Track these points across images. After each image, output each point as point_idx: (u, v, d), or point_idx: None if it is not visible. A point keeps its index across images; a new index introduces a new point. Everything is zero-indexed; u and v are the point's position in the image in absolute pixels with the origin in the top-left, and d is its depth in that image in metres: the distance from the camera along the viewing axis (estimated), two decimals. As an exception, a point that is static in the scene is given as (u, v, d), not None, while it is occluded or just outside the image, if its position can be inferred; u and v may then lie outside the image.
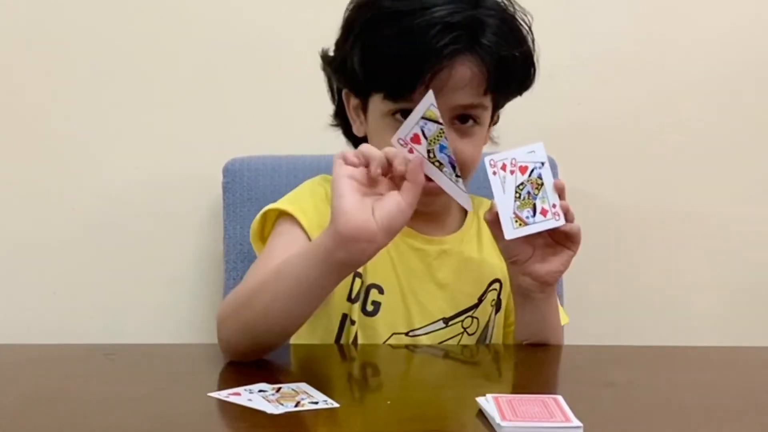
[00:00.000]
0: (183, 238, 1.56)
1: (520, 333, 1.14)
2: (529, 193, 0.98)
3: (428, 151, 0.93)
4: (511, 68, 1.08)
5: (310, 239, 1.09)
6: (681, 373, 1.00)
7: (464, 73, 1.05)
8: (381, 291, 1.15)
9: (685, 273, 1.62)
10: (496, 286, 1.19)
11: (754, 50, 1.59)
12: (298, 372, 1.04)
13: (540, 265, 1.05)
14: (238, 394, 0.85)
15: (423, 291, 1.16)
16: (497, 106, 1.15)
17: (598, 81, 1.58)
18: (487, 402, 0.80)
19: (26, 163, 1.56)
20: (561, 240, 1.04)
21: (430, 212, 1.15)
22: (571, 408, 0.78)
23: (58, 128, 1.56)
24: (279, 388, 0.86)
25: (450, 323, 1.16)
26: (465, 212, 1.22)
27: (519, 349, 1.17)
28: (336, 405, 0.83)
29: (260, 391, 0.86)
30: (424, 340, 1.15)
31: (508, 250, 1.06)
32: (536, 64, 1.12)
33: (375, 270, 1.14)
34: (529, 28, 1.11)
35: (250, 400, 0.83)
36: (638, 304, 1.62)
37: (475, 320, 1.17)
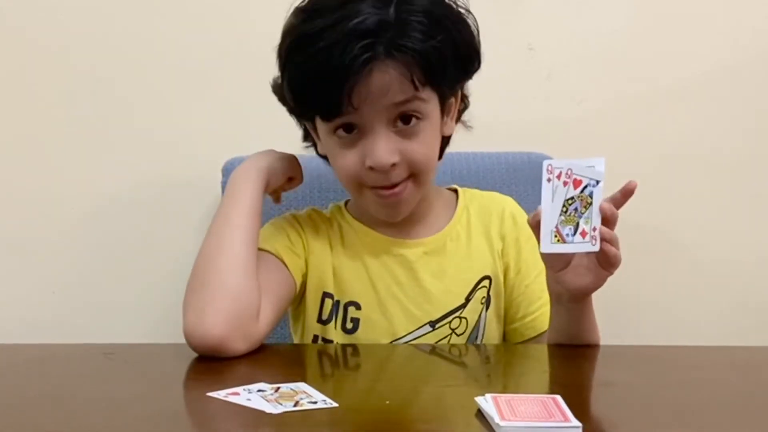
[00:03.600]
0: (183, 237, 1.56)
1: (553, 336, 1.11)
2: (576, 209, 0.95)
3: (571, 198, 0.94)
4: (442, 58, 1.05)
5: (285, 265, 1.13)
6: (680, 373, 1.00)
7: (383, 78, 1.03)
8: (358, 307, 1.15)
9: (685, 273, 1.62)
10: (486, 283, 1.17)
11: (755, 49, 1.59)
12: (296, 372, 1.04)
13: (573, 278, 1.02)
14: (237, 393, 0.85)
15: (407, 297, 1.15)
16: (444, 95, 1.11)
17: (598, 79, 1.58)
18: (486, 402, 0.79)
19: (26, 163, 1.56)
20: (599, 259, 1.00)
21: (412, 214, 1.15)
22: (570, 408, 0.78)
23: (58, 128, 1.56)
24: (278, 388, 0.86)
25: (437, 326, 1.15)
26: (453, 209, 1.21)
27: (518, 349, 1.17)
28: (335, 405, 0.83)
29: (259, 390, 0.86)
30: None
31: (544, 257, 1.03)
32: (477, 45, 1.10)
33: (350, 288, 1.15)
34: (467, 10, 1.09)
35: (248, 399, 0.83)
36: (638, 304, 1.62)
37: (463, 320, 1.16)
